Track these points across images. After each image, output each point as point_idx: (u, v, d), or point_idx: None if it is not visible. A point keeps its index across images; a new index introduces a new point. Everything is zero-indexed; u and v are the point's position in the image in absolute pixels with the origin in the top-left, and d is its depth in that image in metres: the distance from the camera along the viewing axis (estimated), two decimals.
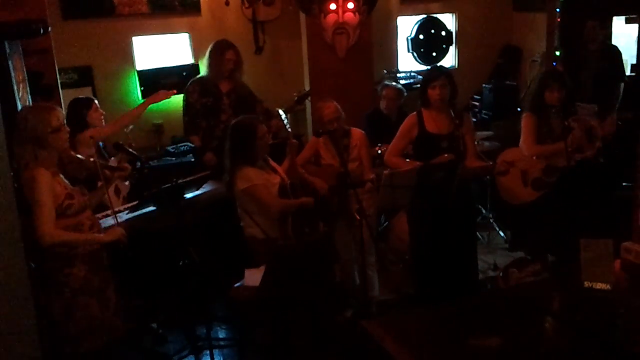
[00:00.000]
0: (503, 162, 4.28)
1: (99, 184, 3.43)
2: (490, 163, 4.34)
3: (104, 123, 4.47)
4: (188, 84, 5.06)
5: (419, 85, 4.29)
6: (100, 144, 4.40)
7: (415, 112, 4.09)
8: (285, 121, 4.17)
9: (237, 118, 4.11)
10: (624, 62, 5.88)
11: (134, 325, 3.70)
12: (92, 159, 3.41)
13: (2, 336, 1.98)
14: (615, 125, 4.24)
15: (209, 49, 5.00)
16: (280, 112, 4.23)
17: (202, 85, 4.95)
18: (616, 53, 5.81)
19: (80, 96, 4.58)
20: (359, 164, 4.41)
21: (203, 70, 5.10)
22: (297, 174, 4.08)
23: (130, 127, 4.81)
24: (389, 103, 5.25)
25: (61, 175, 3.14)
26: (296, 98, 4.83)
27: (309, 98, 5.56)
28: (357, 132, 4.47)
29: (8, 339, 1.99)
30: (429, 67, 4.77)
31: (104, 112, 4.48)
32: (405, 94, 5.44)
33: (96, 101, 4.47)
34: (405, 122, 4.13)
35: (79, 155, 3.34)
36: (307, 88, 5.82)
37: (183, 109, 5.02)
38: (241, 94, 5.03)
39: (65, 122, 3.14)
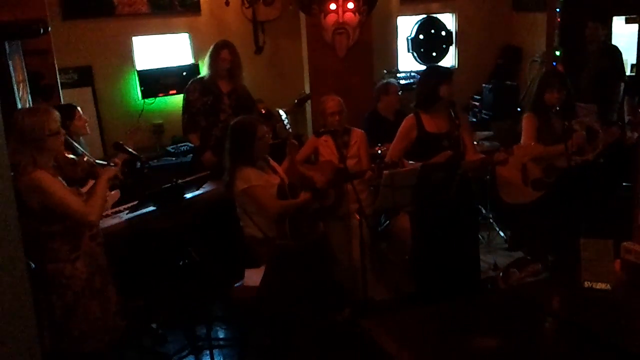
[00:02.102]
0: (502, 152, 4.28)
1: (90, 182, 3.42)
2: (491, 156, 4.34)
3: (88, 130, 4.32)
4: (189, 83, 5.06)
5: None
6: (79, 152, 4.24)
7: (412, 114, 4.09)
8: (286, 121, 4.17)
9: (236, 118, 4.11)
10: (624, 62, 5.89)
11: (134, 325, 3.70)
12: (85, 159, 3.40)
13: (1, 336, 1.98)
14: (617, 135, 4.25)
15: (209, 51, 5.01)
16: (281, 112, 4.23)
17: (203, 84, 4.96)
18: (616, 53, 5.81)
19: (61, 104, 4.37)
20: (358, 161, 4.42)
21: (204, 72, 5.10)
22: (296, 172, 4.09)
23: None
24: (394, 98, 5.22)
25: (59, 177, 3.14)
26: (296, 101, 4.83)
27: (309, 100, 5.56)
28: (357, 131, 4.50)
29: (8, 339, 1.99)
30: (427, 67, 4.73)
31: (87, 119, 4.33)
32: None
33: (79, 108, 4.24)
34: (403, 123, 4.13)
35: (71, 156, 3.33)
36: (307, 88, 5.82)
37: (183, 107, 5.02)
38: (241, 96, 5.02)
39: (60, 125, 3.14)
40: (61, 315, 3.11)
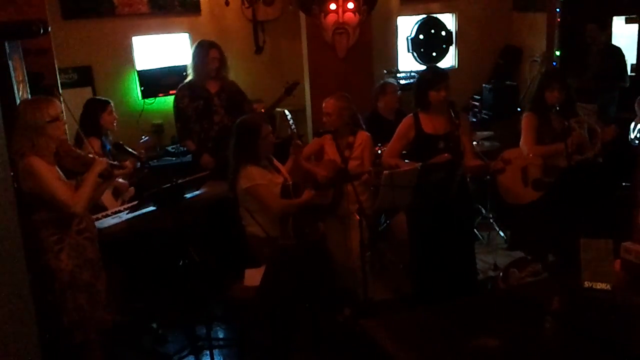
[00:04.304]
0: (500, 161, 4.28)
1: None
2: (490, 162, 4.34)
3: (115, 126, 4.47)
4: (177, 90, 4.98)
5: None
6: (107, 146, 4.39)
7: (411, 114, 4.09)
8: (291, 121, 4.17)
9: (234, 117, 4.11)
10: (626, 62, 5.89)
11: (126, 320, 3.72)
12: (90, 155, 3.40)
13: (1, 336, 1.98)
14: (615, 133, 4.26)
15: (192, 52, 4.93)
16: (286, 112, 4.23)
17: (191, 89, 4.86)
18: (618, 54, 5.81)
19: (98, 97, 4.61)
20: (360, 163, 4.41)
21: (190, 74, 5.02)
22: (300, 172, 4.09)
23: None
24: (392, 98, 5.23)
25: (56, 167, 3.19)
26: (284, 90, 4.80)
27: (296, 91, 5.49)
28: (363, 134, 4.48)
29: (8, 338, 1.99)
30: (424, 68, 4.73)
31: (116, 117, 4.48)
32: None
33: (112, 104, 4.47)
34: (402, 123, 4.12)
35: (77, 150, 3.35)
36: (307, 88, 5.82)
37: (174, 115, 4.94)
38: (230, 92, 4.96)
39: (64, 114, 3.21)
40: (51, 307, 3.18)
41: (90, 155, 3.40)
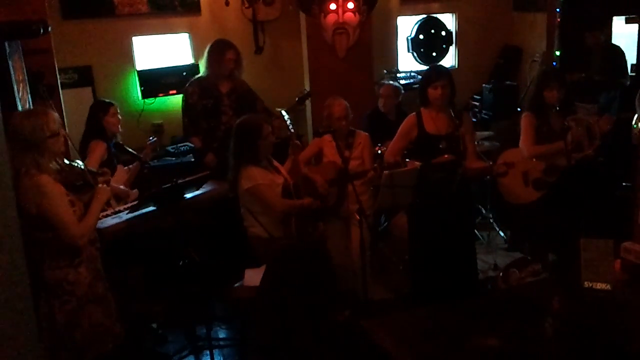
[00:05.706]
0: (502, 164, 4.28)
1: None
2: (491, 163, 4.34)
3: (120, 129, 4.42)
4: (187, 84, 5.02)
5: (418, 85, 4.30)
6: (114, 149, 4.38)
7: (414, 113, 4.10)
8: (289, 122, 4.18)
9: (241, 118, 4.11)
10: (626, 62, 5.89)
11: (134, 326, 3.70)
12: (82, 167, 3.28)
13: (1, 344, 1.96)
14: (611, 123, 4.26)
15: (208, 49, 4.96)
16: (283, 112, 4.23)
17: (202, 86, 4.91)
18: (618, 53, 5.81)
19: (103, 99, 4.57)
20: (361, 163, 4.42)
21: (202, 70, 5.06)
22: (299, 173, 4.09)
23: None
24: (387, 101, 5.27)
25: (60, 184, 3.03)
26: (297, 99, 4.83)
27: (309, 98, 5.56)
28: (362, 134, 4.52)
29: (7, 346, 1.98)
30: (428, 66, 4.75)
31: (120, 119, 4.44)
32: (402, 91, 5.46)
33: (116, 106, 4.42)
34: (404, 122, 4.13)
35: (65, 160, 3.25)
36: (307, 88, 5.82)
37: (182, 110, 4.98)
38: (241, 93, 4.99)
39: (62, 125, 3.09)
40: (63, 323, 3.03)
41: (100, 179, 3.25)
